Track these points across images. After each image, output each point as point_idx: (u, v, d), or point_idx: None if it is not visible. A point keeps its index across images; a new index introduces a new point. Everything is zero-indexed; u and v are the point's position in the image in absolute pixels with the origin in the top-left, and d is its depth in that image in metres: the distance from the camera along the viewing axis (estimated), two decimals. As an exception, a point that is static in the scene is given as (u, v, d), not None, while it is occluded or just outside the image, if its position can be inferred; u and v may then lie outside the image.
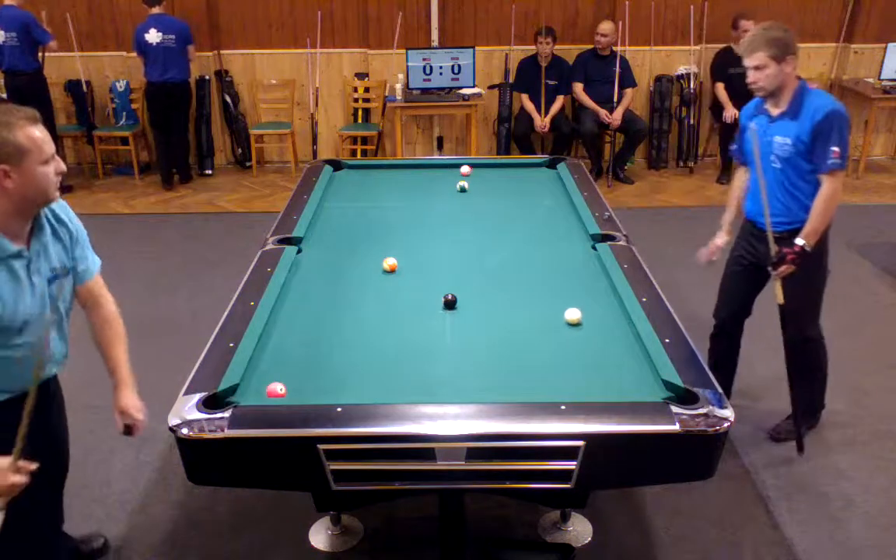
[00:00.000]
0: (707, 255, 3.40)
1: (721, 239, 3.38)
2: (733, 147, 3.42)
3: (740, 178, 3.37)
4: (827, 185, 2.96)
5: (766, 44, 2.91)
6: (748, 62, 2.98)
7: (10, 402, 2.11)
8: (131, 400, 2.32)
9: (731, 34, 6.72)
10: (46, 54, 6.53)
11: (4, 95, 6.47)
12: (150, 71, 6.57)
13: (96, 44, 7.17)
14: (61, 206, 2.20)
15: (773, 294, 3.14)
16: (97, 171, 7.26)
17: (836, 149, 2.90)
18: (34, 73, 6.40)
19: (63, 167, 2.07)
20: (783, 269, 3.02)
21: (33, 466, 1.98)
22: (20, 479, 1.93)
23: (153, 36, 6.46)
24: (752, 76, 2.98)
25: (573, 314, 2.58)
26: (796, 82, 3.02)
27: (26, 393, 2.01)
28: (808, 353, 3.31)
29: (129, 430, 2.34)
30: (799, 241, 2.99)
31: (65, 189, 6.64)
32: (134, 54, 6.73)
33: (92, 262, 2.33)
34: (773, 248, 3.04)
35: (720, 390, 2.16)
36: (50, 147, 1.99)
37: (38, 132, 1.96)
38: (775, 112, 3.05)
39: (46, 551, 2.38)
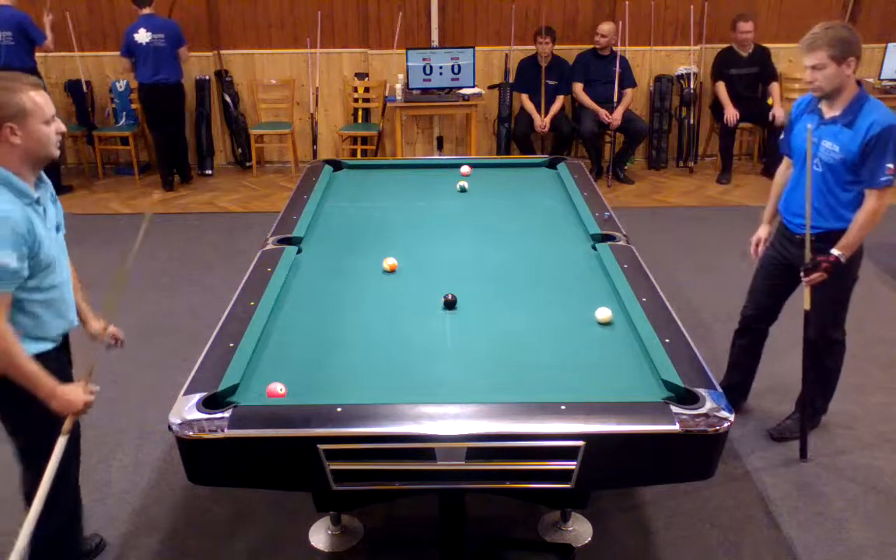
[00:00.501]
0: (753, 251, 3.39)
1: (763, 231, 3.36)
2: (781, 138, 3.33)
3: (783, 171, 3.30)
4: (874, 200, 2.88)
5: (827, 43, 2.79)
6: (806, 61, 2.86)
7: (55, 351, 2.36)
8: (103, 322, 2.61)
9: (730, 35, 6.73)
10: (40, 54, 6.54)
11: None
12: (141, 72, 6.56)
13: (96, 44, 7.17)
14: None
15: (803, 298, 3.12)
16: (97, 171, 7.26)
17: (891, 166, 2.81)
18: (29, 72, 6.38)
19: (63, 128, 2.30)
20: (815, 276, 2.97)
21: (97, 388, 2.32)
22: (91, 399, 2.29)
23: (142, 36, 6.45)
24: (809, 75, 2.87)
25: (604, 313, 2.58)
26: (856, 88, 2.90)
27: (67, 340, 2.45)
28: (830, 356, 3.29)
29: (116, 341, 2.65)
30: (835, 251, 2.94)
31: (64, 189, 6.65)
32: (123, 58, 6.71)
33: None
34: (808, 254, 2.98)
35: (720, 390, 2.16)
36: (50, 109, 2.23)
37: (40, 97, 2.21)
38: (828, 115, 2.95)
39: (75, 498, 2.64)
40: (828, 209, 3.01)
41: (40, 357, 2.25)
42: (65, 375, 2.34)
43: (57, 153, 2.27)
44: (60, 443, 2.22)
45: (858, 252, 3.05)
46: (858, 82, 2.93)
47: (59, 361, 2.36)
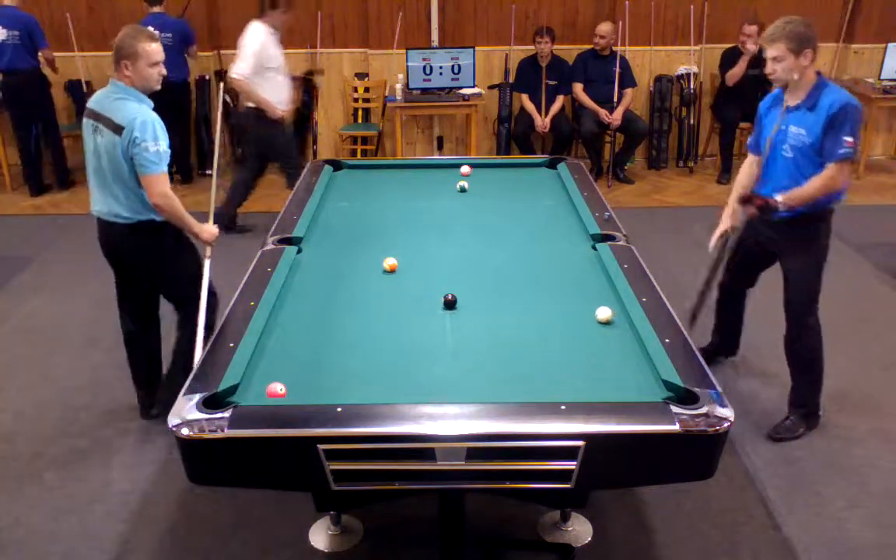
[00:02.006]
0: (714, 241, 3.51)
1: (723, 226, 3.46)
2: (750, 139, 3.51)
3: (746, 169, 3.46)
4: (832, 170, 3.03)
5: (786, 37, 3.01)
6: (768, 52, 3.07)
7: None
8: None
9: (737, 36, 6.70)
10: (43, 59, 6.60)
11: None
12: None
13: (96, 44, 7.16)
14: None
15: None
16: (97, 171, 7.25)
17: (848, 139, 2.99)
18: (33, 71, 6.46)
19: (164, 72, 3.17)
20: (748, 208, 3.19)
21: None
22: (217, 230, 3.35)
23: None
24: (769, 66, 3.09)
25: (604, 313, 2.59)
26: (815, 77, 3.11)
27: None
28: (807, 341, 3.36)
29: None
30: (778, 196, 3.10)
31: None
32: None
33: None
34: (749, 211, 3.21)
35: (720, 389, 2.16)
36: (157, 57, 3.10)
37: (151, 47, 3.06)
38: (792, 103, 3.15)
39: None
40: None
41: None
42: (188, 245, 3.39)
43: (158, 88, 3.17)
44: (207, 264, 3.21)
45: (826, 228, 3.23)
46: (818, 72, 3.13)
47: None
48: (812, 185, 3.06)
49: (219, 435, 1.99)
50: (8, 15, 6.29)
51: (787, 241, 3.28)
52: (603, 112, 6.70)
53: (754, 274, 3.62)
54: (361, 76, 7.28)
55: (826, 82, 3.12)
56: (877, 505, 3.06)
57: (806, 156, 3.11)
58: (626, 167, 7.12)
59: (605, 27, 6.70)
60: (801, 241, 3.24)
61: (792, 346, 3.38)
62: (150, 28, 3.08)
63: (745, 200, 3.21)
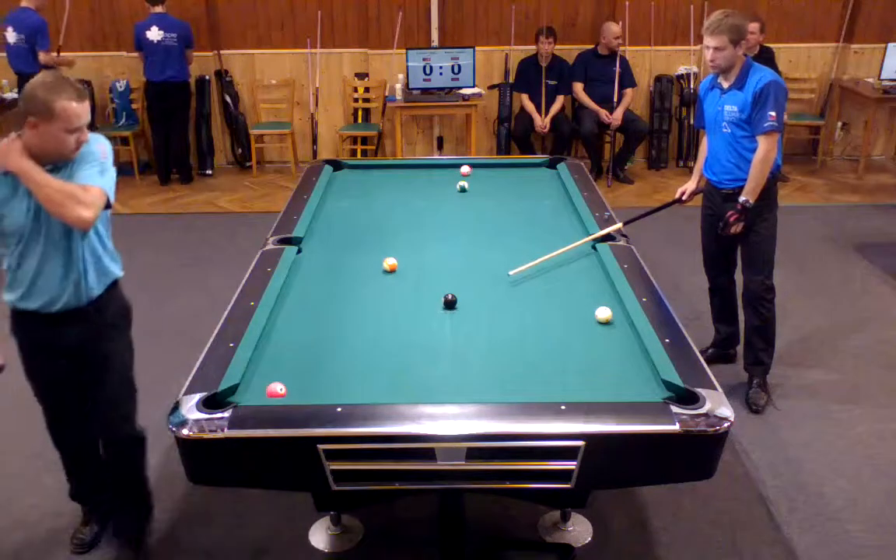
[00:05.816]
0: (679, 194, 3.94)
1: (690, 184, 3.92)
2: (696, 118, 3.82)
3: (704, 144, 3.82)
4: (762, 144, 3.37)
5: (727, 29, 3.30)
6: (710, 42, 3.36)
7: (26, 313, 2.55)
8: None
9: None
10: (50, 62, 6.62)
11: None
12: (150, 70, 6.64)
13: (96, 44, 7.16)
14: (94, 139, 2.52)
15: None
16: (97, 171, 7.25)
17: (772, 113, 3.32)
18: (29, 78, 6.41)
19: (85, 138, 2.41)
20: (732, 230, 3.49)
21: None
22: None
23: (154, 34, 6.51)
24: (710, 54, 3.40)
25: (604, 313, 2.59)
26: (744, 59, 3.45)
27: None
28: (763, 303, 3.61)
29: None
30: (741, 198, 3.43)
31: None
32: (135, 54, 6.78)
33: (84, 178, 2.43)
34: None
35: (720, 389, 2.16)
36: (78, 121, 2.34)
37: (75, 107, 2.32)
38: (726, 85, 3.49)
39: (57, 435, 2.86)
40: (743, 162, 3.47)
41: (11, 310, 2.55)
42: (32, 340, 2.60)
43: (71, 157, 2.41)
44: None
45: (770, 199, 3.51)
46: (746, 55, 3.46)
47: (23, 325, 2.58)
48: (755, 167, 3.38)
49: (219, 435, 1.99)
50: (18, 19, 6.31)
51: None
52: (603, 112, 6.70)
53: (726, 247, 3.76)
54: (361, 76, 7.28)
55: (752, 63, 3.43)
56: (877, 505, 3.06)
57: (741, 128, 3.44)
58: (626, 167, 7.12)
59: (616, 28, 6.69)
60: (753, 211, 3.47)
61: (750, 308, 3.65)
62: (80, 88, 2.44)
63: (725, 226, 3.49)
